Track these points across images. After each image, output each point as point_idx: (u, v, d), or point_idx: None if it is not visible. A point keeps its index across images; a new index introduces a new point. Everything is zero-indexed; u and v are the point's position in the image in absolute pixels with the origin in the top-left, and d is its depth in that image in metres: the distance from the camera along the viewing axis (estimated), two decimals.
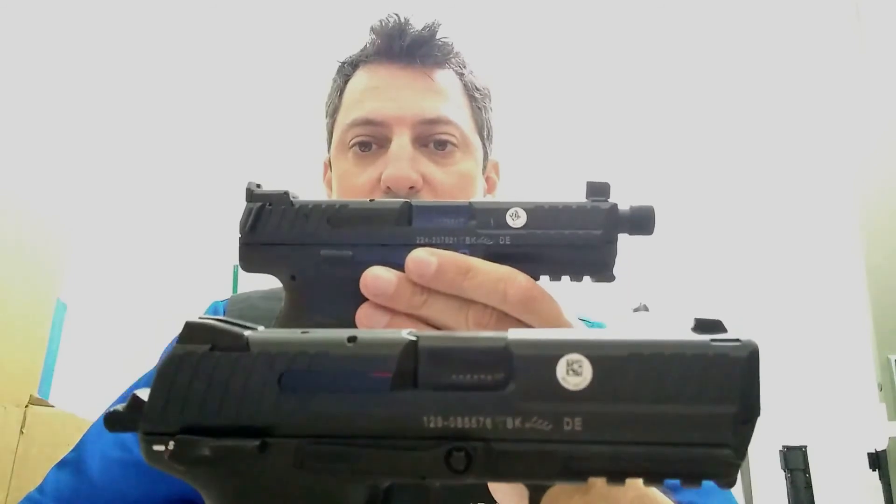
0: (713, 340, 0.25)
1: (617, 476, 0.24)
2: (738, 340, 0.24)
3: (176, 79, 2.59)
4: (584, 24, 3.03)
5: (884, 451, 1.95)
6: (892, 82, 2.42)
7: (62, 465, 0.63)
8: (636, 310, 2.66)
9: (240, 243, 0.38)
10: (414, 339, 0.26)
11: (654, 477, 0.24)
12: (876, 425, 1.98)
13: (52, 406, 1.46)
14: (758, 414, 0.24)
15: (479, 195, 0.69)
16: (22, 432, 1.34)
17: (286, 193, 0.38)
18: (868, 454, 2.05)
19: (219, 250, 2.65)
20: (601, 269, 0.36)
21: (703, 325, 0.25)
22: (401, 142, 0.62)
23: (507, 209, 0.36)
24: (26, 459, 1.32)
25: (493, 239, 0.35)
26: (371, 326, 0.34)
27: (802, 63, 2.88)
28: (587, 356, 0.24)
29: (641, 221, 0.36)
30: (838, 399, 2.50)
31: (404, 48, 0.66)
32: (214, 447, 0.25)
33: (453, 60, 0.69)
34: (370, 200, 0.37)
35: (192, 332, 0.27)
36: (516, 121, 2.87)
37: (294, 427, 0.25)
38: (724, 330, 0.25)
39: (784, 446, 2.22)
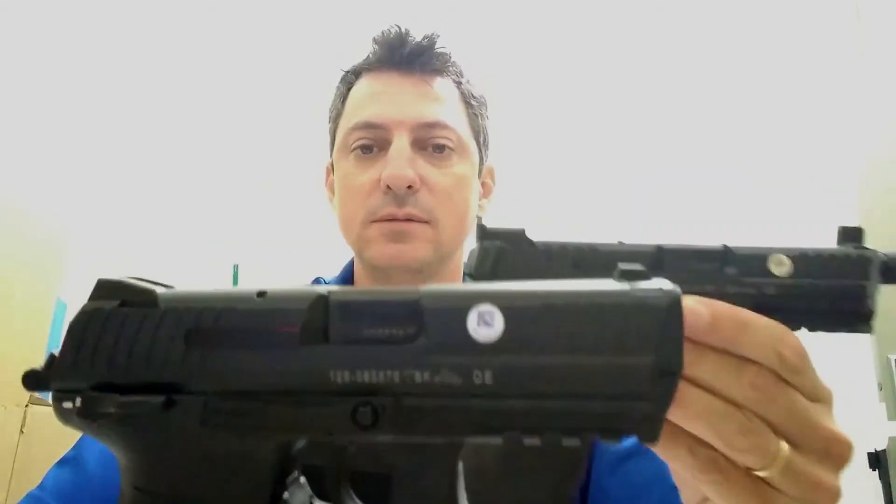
0: (633, 289, 0.24)
1: (532, 432, 0.23)
2: (659, 289, 0.24)
3: (176, 79, 2.59)
4: (582, 27, 3.03)
5: (884, 451, 1.95)
6: (893, 82, 2.42)
7: (62, 462, 0.64)
8: None
9: None
10: (325, 293, 0.25)
11: (571, 432, 0.23)
12: (876, 425, 1.98)
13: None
14: (679, 366, 0.23)
15: (474, 198, 0.72)
16: (22, 432, 1.34)
17: (524, 231, 0.34)
18: (868, 454, 2.05)
19: (219, 250, 2.65)
20: (863, 321, 0.34)
21: (626, 274, 0.24)
22: (400, 143, 0.65)
23: (769, 255, 0.33)
24: (26, 459, 1.32)
25: (757, 288, 0.32)
26: None
27: (802, 63, 2.88)
28: (499, 307, 0.23)
29: None
30: (838, 399, 2.50)
31: (404, 57, 0.69)
32: (120, 403, 0.25)
33: (451, 69, 0.72)
34: (619, 243, 0.34)
35: (102, 288, 0.27)
36: (515, 126, 2.87)
37: (201, 383, 0.25)
38: (647, 278, 0.24)
39: None
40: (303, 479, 0.27)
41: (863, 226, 0.36)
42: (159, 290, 0.26)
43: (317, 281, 0.78)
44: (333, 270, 0.79)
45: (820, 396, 0.30)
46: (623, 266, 0.24)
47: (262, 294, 0.25)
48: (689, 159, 2.91)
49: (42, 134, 1.84)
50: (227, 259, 2.65)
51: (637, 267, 0.24)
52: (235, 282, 2.61)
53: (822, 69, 2.80)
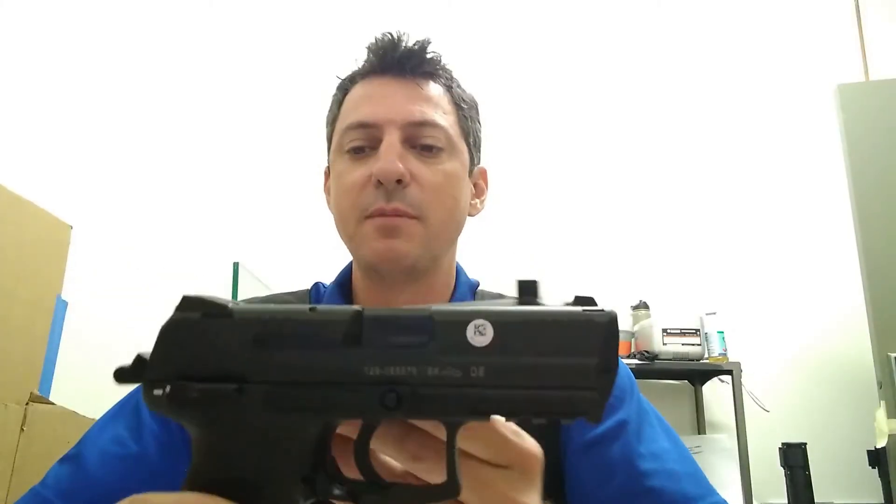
0: (584, 310, 0.31)
1: (511, 414, 0.31)
2: (602, 310, 0.31)
3: (177, 79, 2.59)
4: (580, 30, 3.04)
5: (883, 449, 1.95)
6: (890, 82, 2.42)
7: (64, 460, 0.66)
8: (635, 307, 2.66)
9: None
10: (360, 309, 0.32)
11: (539, 414, 0.30)
12: (876, 423, 1.98)
13: (53, 404, 1.46)
14: (616, 365, 0.30)
15: (464, 197, 0.74)
16: (22, 430, 1.34)
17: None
18: (867, 451, 2.05)
19: (219, 248, 2.65)
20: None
21: (579, 300, 0.31)
22: (390, 140, 0.68)
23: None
24: (27, 457, 1.32)
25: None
26: None
27: (801, 62, 2.88)
28: (490, 321, 0.31)
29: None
30: (838, 397, 2.51)
31: (396, 60, 0.72)
32: (201, 389, 0.32)
33: (442, 73, 0.75)
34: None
35: (187, 303, 0.33)
36: (511, 130, 2.88)
37: (264, 375, 0.32)
38: (594, 304, 0.31)
39: (784, 443, 2.23)
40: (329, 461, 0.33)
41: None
42: (231, 304, 0.33)
43: (316, 286, 0.80)
44: (332, 271, 0.79)
45: (507, 464, 0.35)
46: (578, 296, 0.31)
47: (312, 309, 0.32)
48: (687, 160, 2.91)
49: (44, 133, 1.84)
50: (227, 258, 2.66)
51: (589, 296, 0.31)
52: (235, 281, 2.61)
53: (820, 68, 2.80)
